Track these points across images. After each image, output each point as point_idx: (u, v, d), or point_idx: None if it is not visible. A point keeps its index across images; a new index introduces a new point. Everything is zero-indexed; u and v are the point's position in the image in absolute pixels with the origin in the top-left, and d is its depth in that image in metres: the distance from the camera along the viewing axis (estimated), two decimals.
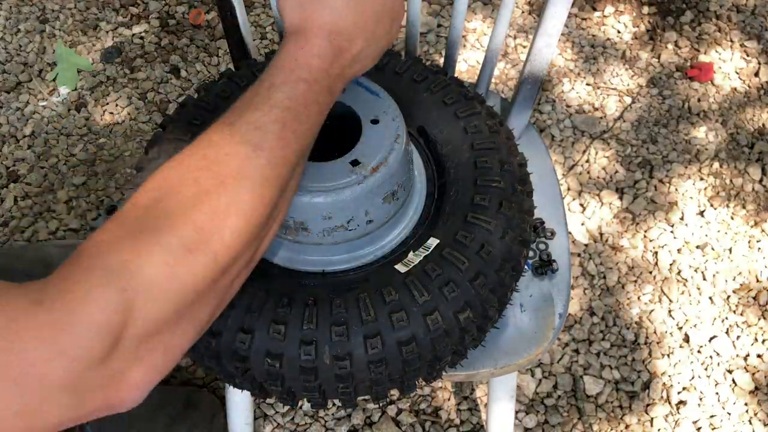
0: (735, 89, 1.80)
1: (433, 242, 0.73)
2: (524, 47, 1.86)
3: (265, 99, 0.60)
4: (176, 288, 0.51)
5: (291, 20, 0.65)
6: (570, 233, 1.57)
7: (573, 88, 1.80)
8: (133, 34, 1.91)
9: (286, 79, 0.62)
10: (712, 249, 1.57)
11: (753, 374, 1.43)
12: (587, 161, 1.68)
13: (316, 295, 0.70)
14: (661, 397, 1.41)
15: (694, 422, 1.38)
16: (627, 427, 1.38)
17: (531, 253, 0.96)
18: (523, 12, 1.93)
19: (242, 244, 0.56)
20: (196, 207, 0.53)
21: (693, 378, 1.43)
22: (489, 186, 0.76)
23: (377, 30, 0.67)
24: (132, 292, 0.48)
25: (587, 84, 1.80)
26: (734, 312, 1.50)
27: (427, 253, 0.72)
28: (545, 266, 0.95)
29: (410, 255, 0.73)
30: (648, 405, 1.40)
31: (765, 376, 1.43)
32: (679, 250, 1.57)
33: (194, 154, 0.57)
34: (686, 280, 1.53)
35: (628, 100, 1.78)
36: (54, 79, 1.83)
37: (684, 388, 1.42)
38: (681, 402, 1.40)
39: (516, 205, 0.76)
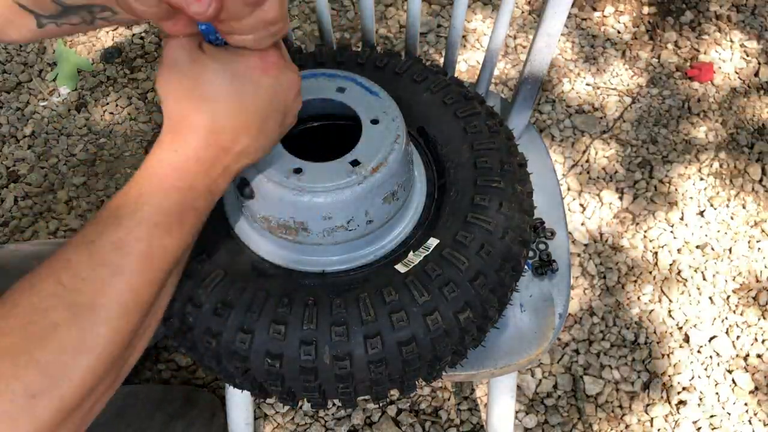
0: (735, 89, 1.80)
1: (433, 242, 0.73)
2: (524, 47, 1.86)
3: (131, 213, 0.54)
4: None
5: (169, 111, 0.58)
6: (570, 233, 1.57)
7: (573, 88, 1.80)
8: (133, 34, 1.91)
9: (156, 187, 0.56)
10: (712, 249, 1.57)
11: (753, 374, 1.43)
12: (587, 161, 1.68)
13: (316, 295, 0.70)
14: (661, 397, 1.41)
15: (694, 422, 1.38)
16: (627, 427, 1.38)
17: (531, 253, 0.96)
18: (523, 12, 1.93)
19: (95, 379, 0.51)
20: (43, 344, 0.49)
21: (693, 378, 1.43)
22: (489, 186, 0.76)
23: (265, 126, 0.61)
24: None
25: (587, 84, 1.80)
26: (734, 312, 1.50)
27: (427, 253, 0.72)
28: (545, 266, 0.95)
29: (410, 255, 0.73)
30: (648, 405, 1.40)
31: (765, 376, 1.43)
32: (679, 250, 1.57)
33: (49, 277, 0.52)
34: (686, 280, 1.53)
35: (628, 100, 1.78)
36: (54, 79, 1.83)
37: (684, 388, 1.42)
38: (681, 402, 1.40)
39: (516, 205, 0.76)
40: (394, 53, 0.91)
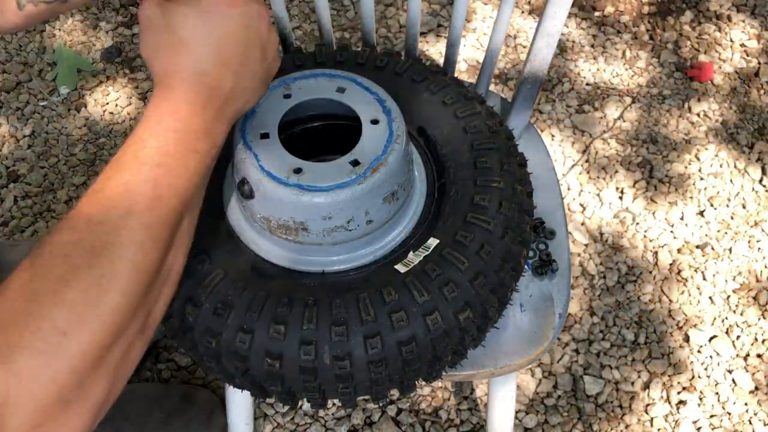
0: (735, 89, 1.80)
1: (433, 242, 0.73)
2: (524, 47, 1.86)
3: (133, 157, 0.57)
4: (52, 374, 0.49)
5: (154, 69, 0.61)
6: (570, 233, 1.57)
7: (573, 88, 1.80)
8: (133, 34, 1.91)
9: (153, 132, 0.58)
10: (712, 249, 1.57)
11: (753, 374, 1.43)
12: (587, 161, 1.68)
13: (316, 295, 0.70)
14: (661, 397, 1.41)
15: (694, 422, 1.38)
16: (627, 427, 1.38)
17: (531, 253, 0.96)
18: (523, 12, 1.93)
19: (123, 316, 0.53)
20: (69, 284, 0.51)
21: (693, 378, 1.43)
22: (489, 186, 0.76)
23: (246, 60, 0.63)
24: (5, 384, 0.47)
25: (587, 84, 1.80)
26: (734, 312, 1.50)
27: (427, 253, 0.72)
28: (545, 266, 0.95)
29: (410, 255, 0.73)
30: (648, 405, 1.40)
31: (765, 376, 1.43)
32: (679, 250, 1.57)
33: (64, 228, 0.54)
34: (686, 280, 1.53)
35: (628, 100, 1.78)
36: (54, 79, 1.83)
37: (684, 388, 1.42)
38: (681, 402, 1.40)
39: (516, 205, 0.76)
40: (394, 53, 0.91)
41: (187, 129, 0.59)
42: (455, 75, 0.96)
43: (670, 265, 1.55)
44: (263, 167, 0.69)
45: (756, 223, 1.60)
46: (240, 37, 0.62)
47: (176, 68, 0.60)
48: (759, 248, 1.57)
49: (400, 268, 0.72)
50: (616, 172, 1.67)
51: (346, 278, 0.74)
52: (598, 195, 1.64)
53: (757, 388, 1.42)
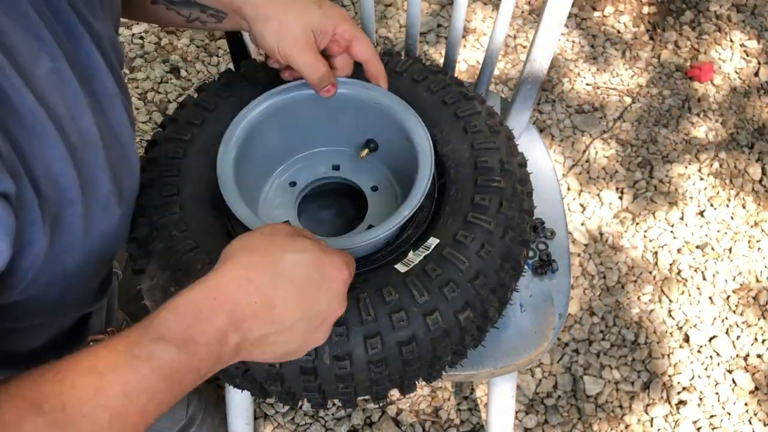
0: (735, 89, 1.80)
1: (433, 242, 0.73)
2: (524, 47, 1.86)
3: (149, 356, 0.53)
4: None
5: (226, 266, 0.59)
6: (570, 233, 1.57)
7: (573, 88, 1.80)
8: (133, 34, 1.91)
9: (179, 335, 0.55)
10: (712, 249, 1.57)
11: (753, 374, 1.43)
12: (587, 161, 1.68)
13: None
14: (661, 397, 1.41)
15: (694, 422, 1.38)
16: (627, 427, 1.38)
17: (531, 253, 0.97)
18: (523, 12, 1.93)
19: None
20: None
21: (693, 378, 1.43)
22: (489, 186, 0.76)
23: (294, 327, 0.59)
24: None
25: (587, 84, 1.80)
26: (734, 312, 1.50)
27: (428, 252, 0.72)
28: (545, 266, 0.95)
29: (410, 254, 0.73)
30: (648, 405, 1.40)
31: (765, 376, 1.43)
32: (679, 250, 1.57)
33: (54, 395, 0.50)
34: (686, 280, 1.53)
35: (628, 100, 1.78)
36: None
37: (684, 388, 1.42)
38: (681, 402, 1.40)
39: (516, 205, 0.76)
40: (394, 53, 0.91)
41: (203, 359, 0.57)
42: (455, 75, 0.96)
43: (670, 265, 1.55)
44: None
45: (756, 223, 1.60)
46: (307, 306, 0.60)
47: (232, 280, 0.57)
48: (759, 248, 1.57)
49: (401, 267, 0.72)
50: (616, 172, 1.67)
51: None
52: (598, 195, 1.64)
53: (757, 388, 1.42)
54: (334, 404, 1.35)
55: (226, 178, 0.75)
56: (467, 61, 1.84)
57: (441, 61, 1.74)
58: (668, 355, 1.45)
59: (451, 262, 0.71)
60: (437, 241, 0.73)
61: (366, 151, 0.86)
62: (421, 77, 0.86)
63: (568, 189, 1.64)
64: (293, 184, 0.87)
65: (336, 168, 0.88)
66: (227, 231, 0.77)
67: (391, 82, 0.83)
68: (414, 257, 0.73)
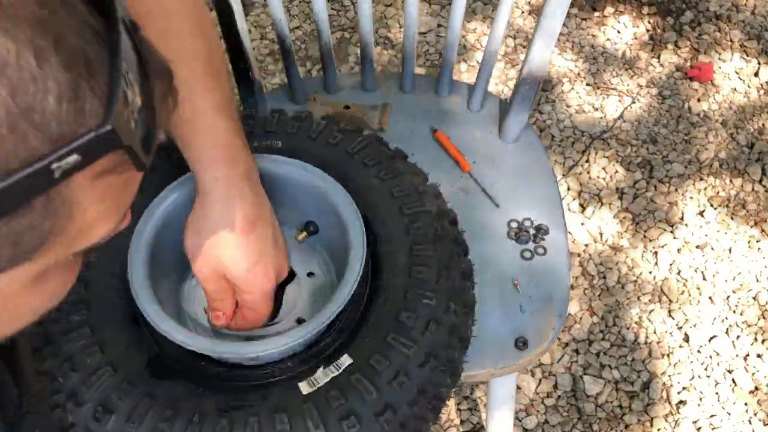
0: (735, 89, 1.79)
1: (345, 361, 0.66)
2: (524, 47, 1.86)
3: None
4: None
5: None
6: (570, 233, 1.57)
7: (573, 89, 1.80)
8: None
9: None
10: (712, 249, 1.57)
11: (753, 374, 1.43)
12: (587, 161, 1.68)
13: (204, 411, 0.64)
14: (661, 397, 1.41)
15: (694, 422, 1.38)
16: (627, 427, 1.38)
17: (528, 254, 0.97)
18: (522, 12, 1.93)
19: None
20: None
21: (693, 378, 1.43)
22: (419, 302, 0.68)
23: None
24: None
25: (587, 84, 1.80)
26: (734, 312, 1.50)
27: (337, 373, 0.66)
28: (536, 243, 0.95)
29: (319, 372, 0.66)
30: (648, 405, 1.40)
31: (765, 376, 1.43)
32: (679, 250, 1.57)
33: None
34: (686, 280, 1.53)
35: (628, 100, 1.78)
36: None
37: (684, 388, 1.42)
38: (681, 402, 1.40)
39: (446, 327, 0.68)
40: (350, 129, 0.81)
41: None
42: (454, 75, 0.96)
43: (670, 265, 1.55)
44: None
45: (756, 223, 1.60)
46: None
47: None
48: (759, 248, 1.57)
49: (304, 387, 0.65)
50: (616, 172, 1.67)
51: (247, 384, 0.67)
52: (597, 195, 1.64)
53: (757, 388, 1.42)
54: None
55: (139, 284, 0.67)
56: (467, 60, 1.84)
57: (441, 61, 1.74)
58: (668, 355, 1.45)
59: (359, 391, 0.63)
60: (350, 361, 0.66)
61: (304, 233, 0.77)
62: (374, 161, 0.78)
63: (568, 189, 1.65)
64: None
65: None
66: (131, 317, 0.70)
67: (342, 163, 0.77)
68: (322, 376, 0.65)
